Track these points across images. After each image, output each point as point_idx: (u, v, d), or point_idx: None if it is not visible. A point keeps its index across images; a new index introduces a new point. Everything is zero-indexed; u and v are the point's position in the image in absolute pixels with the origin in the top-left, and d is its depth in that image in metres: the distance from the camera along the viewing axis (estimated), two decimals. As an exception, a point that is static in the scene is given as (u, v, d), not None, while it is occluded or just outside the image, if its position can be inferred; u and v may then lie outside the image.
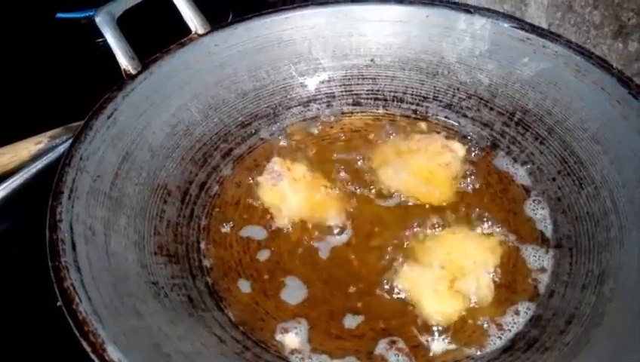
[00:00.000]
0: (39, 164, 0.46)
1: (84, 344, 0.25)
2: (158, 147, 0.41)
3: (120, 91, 0.40)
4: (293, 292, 0.37)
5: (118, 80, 0.56)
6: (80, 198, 0.33)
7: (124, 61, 0.41)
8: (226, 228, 0.41)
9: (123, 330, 0.27)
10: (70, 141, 0.47)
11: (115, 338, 0.26)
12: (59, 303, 0.39)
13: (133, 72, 0.41)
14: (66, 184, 0.33)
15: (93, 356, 0.25)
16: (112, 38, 0.41)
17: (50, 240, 0.30)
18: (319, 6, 0.49)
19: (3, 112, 0.54)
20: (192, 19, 0.46)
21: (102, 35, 0.43)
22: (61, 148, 0.47)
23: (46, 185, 0.47)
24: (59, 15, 0.62)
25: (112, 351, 0.25)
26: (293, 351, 0.33)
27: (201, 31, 0.46)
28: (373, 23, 0.49)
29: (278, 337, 0.34)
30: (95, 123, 0.37)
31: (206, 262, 0.38)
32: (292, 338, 0.34)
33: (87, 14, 0.60)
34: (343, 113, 0.50)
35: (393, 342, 0.34)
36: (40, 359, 0.37)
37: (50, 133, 0.50)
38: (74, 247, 0.30)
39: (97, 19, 0.42)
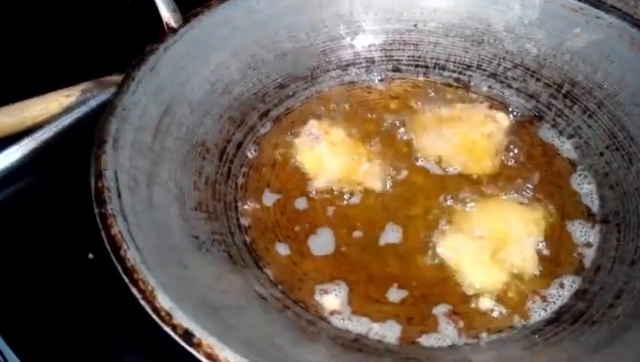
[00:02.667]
0: (70, 118, 0.46)
1: (134, 291, 0.25)
2: (197, 103, 0.41)
3: (162, 44, 0.39)
4: (331, 255, 0.37)
5: (151, 35, 0.56)
6: (124, 149, 0.32)
7: (167, 13, 0.40)
8: (262, 189, 0.41)
9: (171, 280, 0.26)
10: (111, 92, 0.46)
11: (165, 286, 0.25)
12: (90, 255, 0.40)
13: (174, 25, 0.40)
14: (110, 133, 0.32)
15: (143, 303, 0.25)
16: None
17: (95, 188, 0.29)
18: (364, -34, 0.47)
19: (34, 63, 0.54)
20: (235, -26, 0.44)
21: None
22: (93, 103, 0.47)
23: (76, 139, 0.48)
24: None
25: (162, 299, 0.25)
26: (332, 312, 0.33)
27: (243, -14, 0.44)
28: (419, -15, 0.48)
29: (317, 298, 0.34)
30: (137, 74, 0.36)
31: (243, 221, 0.38)
32: (332, 299, 0.33)
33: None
34: (381, 79, 0.49)
35: (434, 308, 0.33)
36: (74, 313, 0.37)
37: (81, 86, 0.49)
38: (119, 196, 0.29)
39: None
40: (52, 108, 0.48)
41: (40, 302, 0.39)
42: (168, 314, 0.24)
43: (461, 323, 0.32)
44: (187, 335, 0.24)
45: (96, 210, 0.28)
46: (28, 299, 0.41)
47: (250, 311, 0.30)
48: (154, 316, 0.24)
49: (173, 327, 0.24)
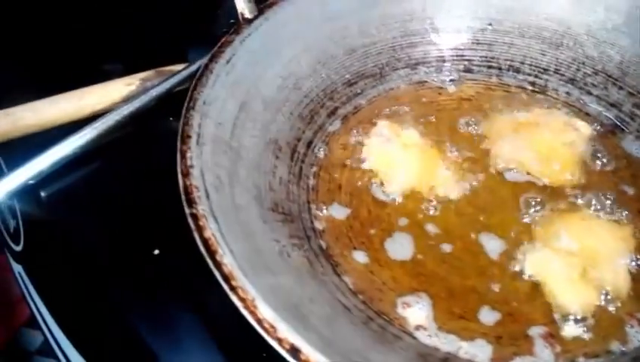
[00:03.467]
0: (130, 107, 0.45)
1: (235, 299, 0.24)
2: (270, 99, 0.39)
3: (237, 35, 0.37)
4: (408, 262, 0.35)
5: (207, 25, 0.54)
6: (206, 145, 0.31)
7: (242, 4, 0.38)
8: (333, 190, 0.39)
9: (266, 287, 0.25)
10: (173, 82, 0.45)
11: (263, 294, 0.24)
12: (156, 251, 0.39)
13: (249, 16, 0.39)
14: (193, 128, 0.31)
15: (245, 312, 0.23)
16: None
17: (184, 187, 0.28)
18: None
19: (94, 51, 0.53)
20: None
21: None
22: (153, 92, 0.45)
23: (137, 128, 0.46)
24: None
25: (264, 309, 0.23)
26: (418, 327, 0.31)
27: (316, -22, 0.43)
28: (497, -17, 0.45)
29: (400, 311, 0.32)
30: (215, 67, 0.35)
31: (317, 224, 0.36)
32: (416, 313, 0.32)
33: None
34: (452, 79, 0.47)
35: (528, 329, 0.31)
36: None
37: (141, 75, 0.48)
38: (208, 196, 0.28)
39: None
40: (112, 96, 0.46)
41: (102, 301, 0.38)
42: (272, 326, 0.23)
43: (558, 347, 0.30)
44: (294, 351, 0.22)
45: (187, 211, 0.27)
46: (90, 298, 0.40)
47: (338, 322, 0.29)
48: (257, 327, 0.23)
49: (279, 341, 0.22)
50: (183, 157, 0.29)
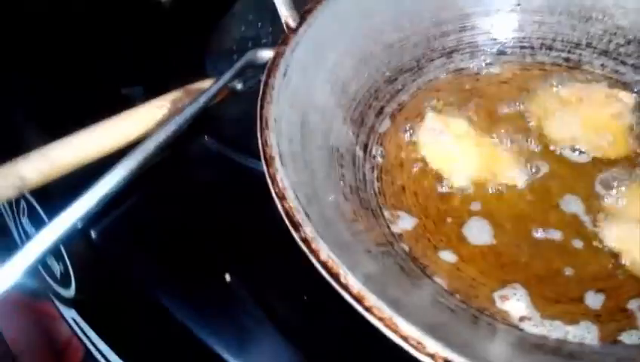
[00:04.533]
0: (167, 130, 0.43)
1: (372, 319, 0.23)
2: (324, 107, 0.38)
3: (286, 46, 0.36)
4: (489, 256, 0.35)
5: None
6: (288, 166, 0.30)
7: (285, 11, 0.37)
8: (398, 192, 0.38)
9: (394, 301, 0.24)
10: (203, 100, 0.44)
11: (397, 310, 0.23)
12: (227, 277, 0.38)
13: (293, 24, 0.38)
14: (273, 148, 0.30)
15: (386, 331, 0.23)
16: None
17: (285, 211, 0.27)
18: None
19: (111, 76, 0.51)
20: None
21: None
22: (187, 113, 0.44)
23: (176, 153, 0.45)
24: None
25: (404, 326, 0.23)
26: (522, 318, 0.31)
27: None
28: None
29: (499, 305, 0.32)
30: (275, 82, 0.34)
31: (394, 228, 0.36)
32: (516, 304, 0.32)
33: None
34: (488, 63, 0.47)
35: (627, 303, 0.32)
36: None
37: (170, 96, 0.46)
38: (308, 217, 0.27)
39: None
40: (147, 122, 0.44)
41: (166, 333, 0.37)
42: (419, 342, 0.22)
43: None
44: (447, 366, 0.22)
45: (295, 236, 0.26)
46: (154, 332, 0.39)
47: (452, 326, 0.28)
48: (405, 345, 0.22)
49: (432, 357, 0.22)
50: (274, 180, 0.28)
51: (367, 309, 0.23)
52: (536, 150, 0.41)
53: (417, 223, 0.36)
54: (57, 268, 0.45)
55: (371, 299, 0.23)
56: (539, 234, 0.36)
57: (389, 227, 0.36)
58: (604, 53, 0.46)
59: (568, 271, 0.34)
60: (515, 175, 0.39)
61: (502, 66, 0.47)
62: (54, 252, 0.43)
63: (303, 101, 0.36)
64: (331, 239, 0.27)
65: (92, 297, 0.44)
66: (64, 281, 0.45)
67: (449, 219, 0.37)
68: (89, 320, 0.45)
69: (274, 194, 0.27)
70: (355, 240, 0.31)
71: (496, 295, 0.33)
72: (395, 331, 0.23)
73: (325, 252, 0.25)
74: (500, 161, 0.40)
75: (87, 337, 0.46)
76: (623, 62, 0.45)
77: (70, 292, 0.45)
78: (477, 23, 0.47)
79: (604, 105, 0.42)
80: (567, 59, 0.46)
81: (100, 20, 0.56)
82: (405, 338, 0.22)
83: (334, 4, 0.41)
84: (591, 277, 0.34)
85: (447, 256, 0.35)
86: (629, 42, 0.45)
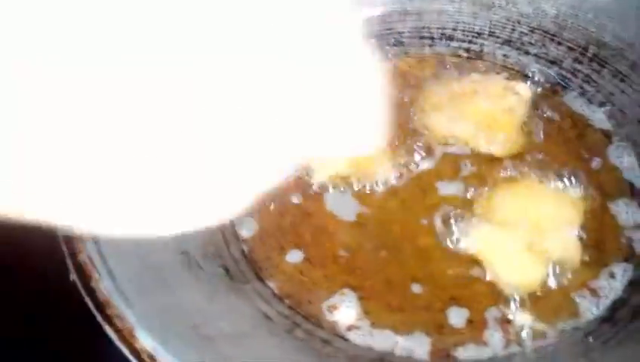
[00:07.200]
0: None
1: (109, 330, 0.20)
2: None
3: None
4: (340, 260, 0.32)
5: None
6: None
7: None
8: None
9: (154, 311, 0.22)
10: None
11: (147, 320, 0.21)
12: (72, 276, 0.35)
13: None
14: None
15: (120, 344, 0.20)
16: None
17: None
18: None
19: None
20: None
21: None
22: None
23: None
24: None
25: (144, 338, 0.20)
26: (350, 328, 0.28)
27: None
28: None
29: (327, 314, 0.29)
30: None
31: (240, 230, 0.33)
32: (346, 312, 0.29)
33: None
34: (383, 54, 0.44)
35: (466, 314, 0.29)
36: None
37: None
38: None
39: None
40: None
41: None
42: (150, 355, 0.20)
43: (508, 330, 0.27)
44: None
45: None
46: None
47: (252, 336, 0.26)
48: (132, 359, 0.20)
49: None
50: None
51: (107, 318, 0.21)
52: (416, 147, 0.37)
53: (270, 224, 0.34)
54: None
55: (116, 308, 0.21)
56: (399, 236, 0.33)
57: (234, 227, 0.33)
58: (507, 42, 0.42)
59: (421, 277, 0.31)
60: (385, 175, 0.36)
61: (398, 58, 0.44)
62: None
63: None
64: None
65: None
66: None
67: (305, 221, 0.34)
68: None
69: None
70: (167, 241, 0.28)
71: (327, 303, 0.30)
72: (130, 344, 0.20)
73: (86, 253, 0.23)
74: (370, 159, 0.37)
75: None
76: (526, 52, 0.42)
77: None
78: (373, 11, 0.44)
79: (498, 99, 0.39)
80: (467, 50, 0.43)
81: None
82: (137, 352, 0.20)
83: None
84: (443, 284, 0.30)
85: (289, 258, 0.32)
86: (532, 30, 0.42)
